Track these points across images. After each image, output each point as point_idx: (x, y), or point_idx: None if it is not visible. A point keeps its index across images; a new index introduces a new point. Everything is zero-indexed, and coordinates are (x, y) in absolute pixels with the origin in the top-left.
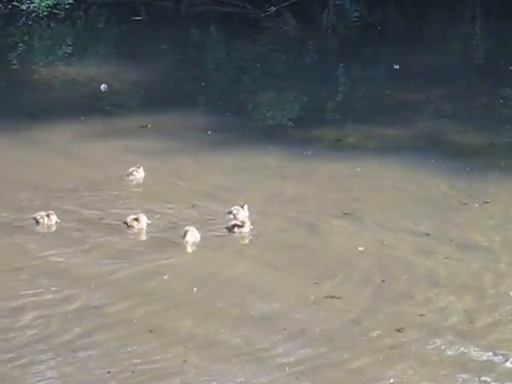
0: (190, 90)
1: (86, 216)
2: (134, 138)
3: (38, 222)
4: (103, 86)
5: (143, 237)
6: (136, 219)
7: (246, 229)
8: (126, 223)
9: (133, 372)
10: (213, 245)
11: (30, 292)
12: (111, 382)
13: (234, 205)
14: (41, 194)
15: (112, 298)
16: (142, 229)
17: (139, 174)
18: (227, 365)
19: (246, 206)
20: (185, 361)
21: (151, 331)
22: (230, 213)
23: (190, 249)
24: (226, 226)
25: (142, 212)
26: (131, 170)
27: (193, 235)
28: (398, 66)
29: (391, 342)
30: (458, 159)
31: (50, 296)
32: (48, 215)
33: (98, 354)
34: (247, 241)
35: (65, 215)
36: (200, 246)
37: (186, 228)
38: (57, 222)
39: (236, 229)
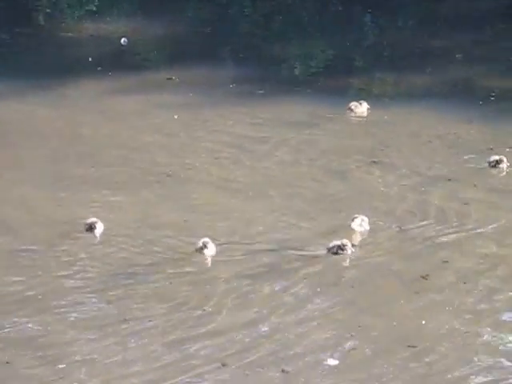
0: (215, 43)
1: None
2: (161, 91)
3: None
4: (123, 40)
5: None
6: None
7: None
8: None
9: None
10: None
11: None
12: None
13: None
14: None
15: None
16: None
17: (361, 107)
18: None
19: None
20: None
21: None
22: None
23: None
24: None
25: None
26: (351, 104)
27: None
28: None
29: (416, 288)
30: (486, 104)
31: None
32: None
33: None
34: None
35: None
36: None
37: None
38: None
39: None
